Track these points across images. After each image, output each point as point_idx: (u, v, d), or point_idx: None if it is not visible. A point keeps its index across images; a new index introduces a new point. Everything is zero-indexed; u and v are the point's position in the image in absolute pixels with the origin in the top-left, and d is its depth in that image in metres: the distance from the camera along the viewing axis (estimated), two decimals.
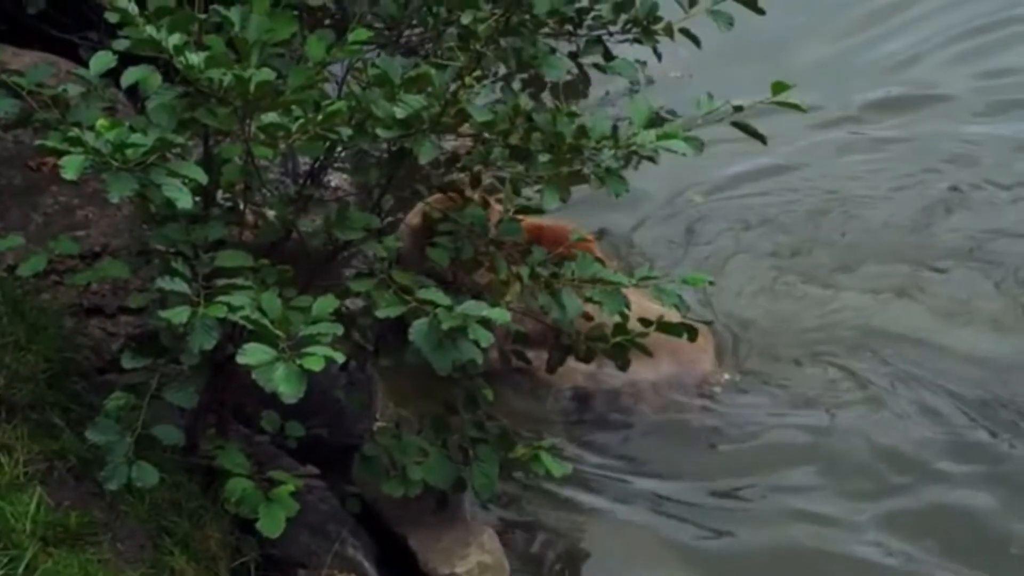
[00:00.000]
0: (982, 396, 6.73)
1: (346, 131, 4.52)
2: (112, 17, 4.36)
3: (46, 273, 5.24)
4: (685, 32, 5.39)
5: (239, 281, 4.47)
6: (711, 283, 5.16)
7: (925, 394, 6.76)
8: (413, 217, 6.37)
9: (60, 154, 4.20)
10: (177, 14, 4.39)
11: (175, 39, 4.27)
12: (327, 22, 5.31)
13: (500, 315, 4.37)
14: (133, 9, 4.30)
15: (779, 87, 4.88)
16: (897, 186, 8.29)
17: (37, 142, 4.56)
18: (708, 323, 5.39)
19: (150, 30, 4.26)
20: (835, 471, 6.36)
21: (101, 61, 4.63)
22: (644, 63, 5.66)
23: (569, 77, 5.49)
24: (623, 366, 5.34)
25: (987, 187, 8.23)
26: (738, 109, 4.95)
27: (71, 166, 4.15)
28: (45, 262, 4.94)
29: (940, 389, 6.78)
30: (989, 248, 7.73)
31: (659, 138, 4.66)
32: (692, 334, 5.20)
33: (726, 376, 6.71)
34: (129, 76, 4.50)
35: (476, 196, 5.39)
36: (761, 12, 5.27)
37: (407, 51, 5.49)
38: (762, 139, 5.10)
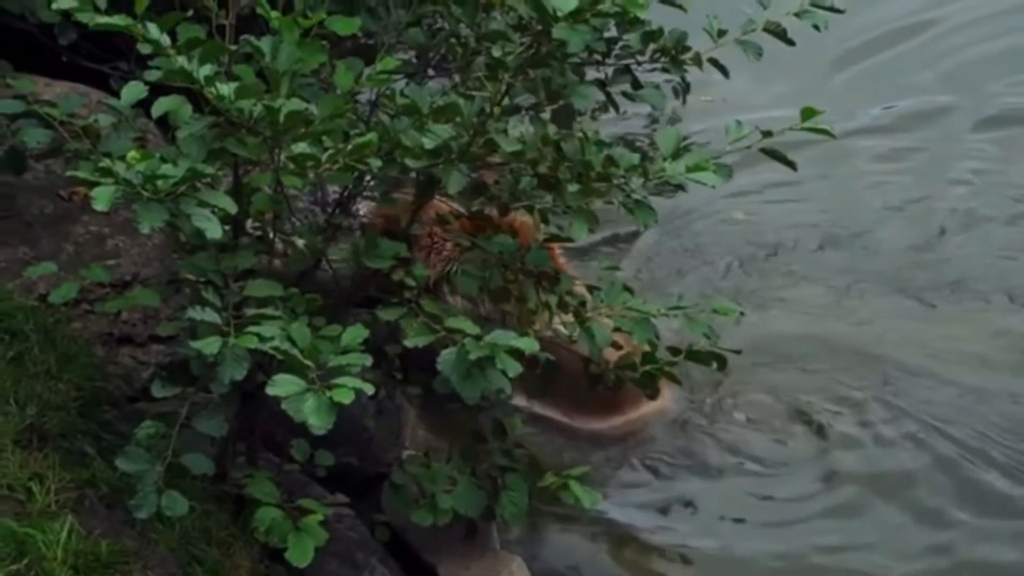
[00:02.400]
0: (975, 428, 6.71)
1: (375, 162, 4.54)
2: (144, 48, 4.39)
3: (77, 302, 5.27)
4: (714, 62, 5.39)
5: (269, 310, 4.50)
6: (742, 314, 5.15)
7: (916, 424, 6.75)
8: (376, 217, 6.29)
9: (91, 184, 4.24)
10: (208, 45, 4.43)
11: (206, 70, 4.31)
12: (356, 51, 5.33)
13: (529, 344, 4.38)
14: (165, 40, 4.33)
15: (809, 113, 4.89)
16: (900, 205, 8.31)
17: (68, 172, 4.60)
18: (737, 352, 5.37)
19: (181, 61, 4.30)
20: (832, 504, 6.39)
21: (132, 91, 4.66)
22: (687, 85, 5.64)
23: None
24: (652, 395, 5.36)
25: (988, 209, 8.23)
26: (767, 135, 4.95)
27: (102, 197, 4.19)
28: (76, 290, 4.97)
29: (933, 418, 6.77)
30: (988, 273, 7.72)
31: (689, 169, 4.67)
32: (721, 363, 5.20)
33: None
34: (160, 106, 4.53)
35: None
36: (791, 43, 5.28)
37: (438, 66, 5.53)
38: (792, 165, 5.10)
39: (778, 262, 7.86)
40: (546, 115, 5.06)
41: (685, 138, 4.97)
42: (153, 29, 4.34)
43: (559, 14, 4.53)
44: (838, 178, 8.41)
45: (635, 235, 7.78)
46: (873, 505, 6.33)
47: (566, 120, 5.07)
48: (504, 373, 4.38)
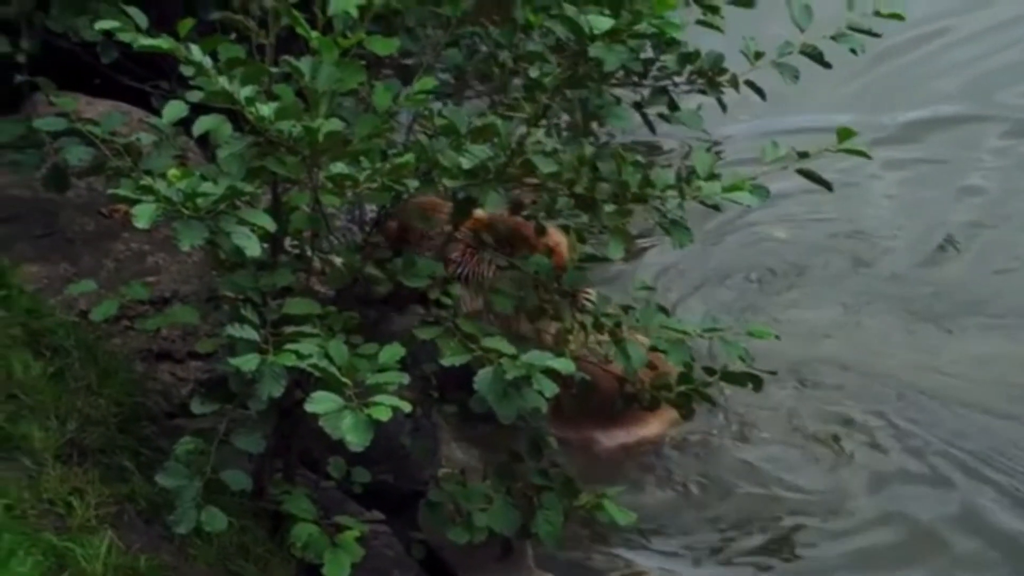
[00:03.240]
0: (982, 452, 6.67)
1: (413, 183, 4.56)
2: (187, 70, 4.42)
3: (117, 318, 5.31)
4: (750, 84, 5.40)
5: (307, 328, 4.52)
6: (777, 337, 5.15)
7: (921, 444, 6.72)
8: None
9: (132, 202, 4.27)
10: (249, 67, 4.46)
11: (247, 91, 4.33)
12: (394, 72, 5.36)
13: (565, 365, 4.40)
14: (207, 62, 4.36)
15: (845, 134, 4.89)
16: (916, 219, 8.27)
17: (110, 190, 4.63)
18: (773, 373, 5.36)
19: (223, 82, 4.33)
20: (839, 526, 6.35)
21: (173, 110, 4.68)
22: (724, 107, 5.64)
23: None
24: (687, 415, 5.36)
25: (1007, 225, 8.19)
26: (803, 156, 4.96)
27: (143, 214, 4.22)
28: (116, 307, 4.99)
29: (940, 442, 6.73)
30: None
31: (726, 189, 4.67)
32: (757, 384, 5.20)
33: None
34: (201, 125, 4.55)
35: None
36: (828, 66, 5.27)
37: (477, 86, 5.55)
38: (828, 186, 5.10)
39: (793, 278, 7.84)
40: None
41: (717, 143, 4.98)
42: (196, 51, 4.37)
43: (595, 33, 4.54)
44: (853, 189, 8.34)
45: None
46: (895, 530, 6.31)
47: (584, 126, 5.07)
48: (540, 393, 4.39)
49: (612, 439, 6.55)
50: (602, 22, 4.53)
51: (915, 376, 7.11)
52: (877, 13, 5.14)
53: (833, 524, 6.32)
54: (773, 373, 5.39)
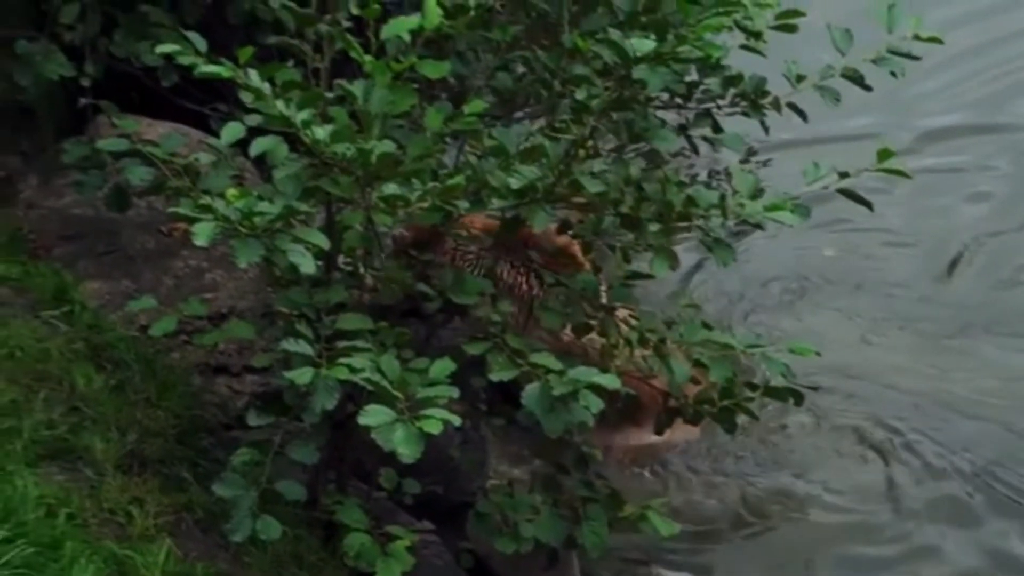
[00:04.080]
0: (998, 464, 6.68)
1: (463, 204, 4.60)
2: (246, 96, 4.47)
3: (176, 333, 5.36)
4: (792, 107, 5.40)
5: (359, 343, 4.56)
6: (818, 354, 5.15)
7: (939, 456, 6.73)
8: (407, 231, 6.14)
9: (192, 221, 4.32)
10: (306, 93, 4.51)
11: (303, 115, 4.38)
12: (445, 94, 5.39)
13: (610, 381, 4.42)
14: (265, 88, 4.41)
15: (884, 154, 4.90)
16: (932, 227, 8.23)
17: (170, 209, 4.68)
18: (815, 388, 5.37)
19: (280, 106, 4.37)
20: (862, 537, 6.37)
21: (231, 131, 4.71)
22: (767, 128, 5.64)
23: None
24: (729, 429, 5.37)
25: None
26: (843, 176, 4.97)
27: (202, 232, 4.27)
28: (175, 323, 5.04)
29: (951, 452, 6.73)
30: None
31: (767, 209, 4.69)
32: (798, 399, 5.21)
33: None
34: (258, 146, 4.59)
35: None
36: (868, 88, 5.28)
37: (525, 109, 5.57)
38: (869, 206, 5.10)
39: (809, 289, 7.83)
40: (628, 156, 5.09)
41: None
42: (254, 77, 4.42)
43: (638, 56, 4.56)
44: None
45: None
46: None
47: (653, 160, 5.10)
48: (587, 408, 4.42)
49: (630, 440, 6.55)
50: (644, 45, 4.56)
51: (932, 388, 7.12)
52: (916, 37, 5.15)
53: (850, 532, 6.34)
54: (815, 388, 5.39)
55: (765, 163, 8.20)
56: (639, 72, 4.60)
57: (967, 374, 7.22)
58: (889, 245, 8.16)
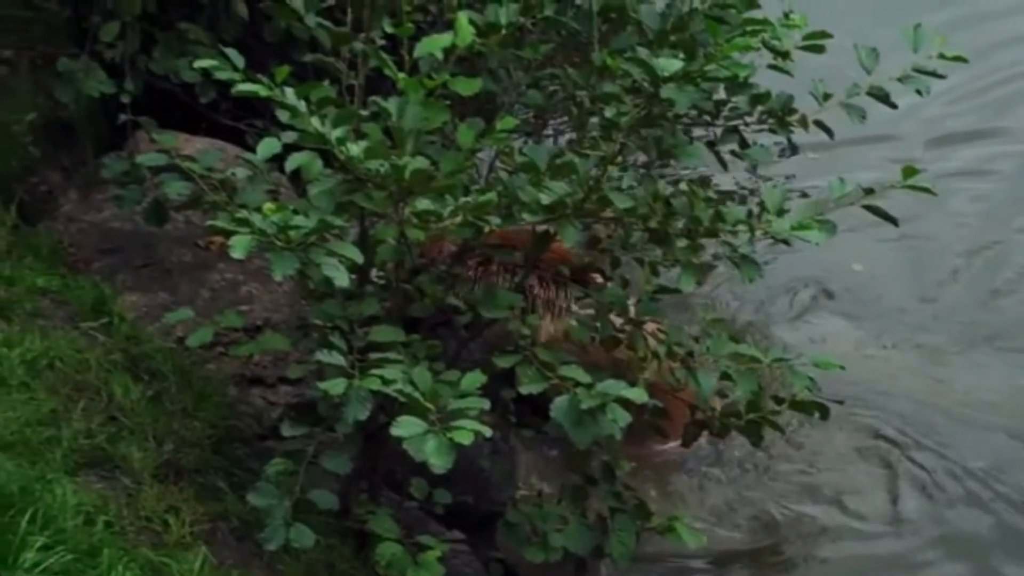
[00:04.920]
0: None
1: (495, 220, 4.61)
2: (282, 115, 4.49)
3: (212, 344, 5.38)
4: (819, 124, 5.40)
5: (392, 355, 4.57)
6: (842, 368, 5.14)
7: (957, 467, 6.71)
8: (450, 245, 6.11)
9: (228, 234, 4.33)
10: (341, 111, 4.52)
11: (338, 132, 4.40)
12: (477, 111, 5.40)
13: (638, 395, 4.42)
14: (301, 106, 4.43)
15: (909, 172, 4.89)
16: (953, 239, 8.20)
17: (207, 222, 4.70)
18: (840, 402, 5.36)
19: (315, 123, 4.39)
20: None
21: (267, 147, 4.74)
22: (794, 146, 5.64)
23: None
24: (756, 442, 5.36)
25: None
26: (869, 192, 4.95)
27: (239, 245, 4.28)
28: (212, 334, 5.07)
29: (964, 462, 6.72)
30: None
31: (794, 227, 4.69)
32: (824, 412, 5.20)
33: None
34: (293, 161, 4.61)
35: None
36: (894, 106, 5.27)
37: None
38: (894, 222, 5.09)
39: (824, 299, 7.81)
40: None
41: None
42: (290, 94, 4.44)
43: (665, 74, 4.57)
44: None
45: None
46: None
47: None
48: (614, 421, 4.42)
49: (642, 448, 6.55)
50: (672, 64, 4.56)
51: (949, 400, 7.11)
52: (942, 56, 5.13)
53: (865, 542, 6.33)
54: (840, 402, 5.38)
55: (788, 178, 8.18)
56: (667, 91, 4.60)
57: (973, 385, 7.22)
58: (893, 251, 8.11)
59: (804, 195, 5.11)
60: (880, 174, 5.16)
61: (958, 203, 8.51)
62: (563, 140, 5.82)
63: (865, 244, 7.85)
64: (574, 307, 5.95)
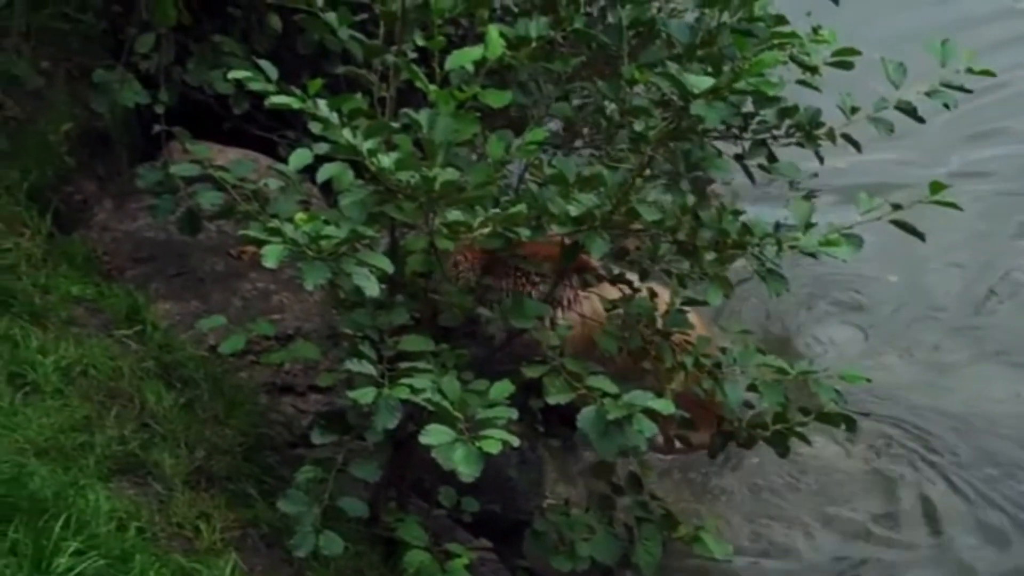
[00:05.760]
0: None
1: (524, 231, 4.60)
2: (315, 127, 4.50)
3: (244, 352, 5.38)
4: (847, 137, 5.38)
5: (421, 364, 4.57)
6: (868, 380, 5.12)
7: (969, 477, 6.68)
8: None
9: (261, 244, 4.35)
10: (373, 123, 4.53)
11: (369, 144, 4.40)
12: (507, 123, 5.40)
13: (665, 406, 4.42)
14: (334, 118, 4.44)
15: (937, 187, 4.87)
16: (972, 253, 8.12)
17: (239, 232, 4.71)
18: (866, 415, 5.34)
19: (347, 135, 4.39)
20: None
21: (299, 158, 4.75)
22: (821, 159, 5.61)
23: None
24: (782, 453, 5.35)
25: None
26: (896, 208, 4.94)
27: (271, 255, 4.29)
28: (244, 342, 5.08)
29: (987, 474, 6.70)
30: None
31: (822, 243, 4.68)
32: (851, 424, 5.18)
33: None
34: (324, 172, 4.62)
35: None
36: (922, 121, 5.25)
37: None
38: (921, 237, 5.07)
39: (847, 309, 7.78)
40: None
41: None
42: (323, 107, 4.45)
43: (696, 91, 4.56)
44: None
45: None
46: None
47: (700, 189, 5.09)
48: (640, 432, 4.41)
49: None
50: (703, 81, 4.55)
51: (967, 410, 7.06)
52: (969, 70, 5.12)
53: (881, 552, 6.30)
54: (866, 415, 5.36)
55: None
56: (697, 107, 4.59)
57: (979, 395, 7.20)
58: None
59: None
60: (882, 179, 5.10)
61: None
62: (588, 153, 5.77)
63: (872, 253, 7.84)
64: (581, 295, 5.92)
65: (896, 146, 8.10)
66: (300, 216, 4.39)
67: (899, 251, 7.77)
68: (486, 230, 4.47)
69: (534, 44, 4.93)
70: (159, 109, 6.14)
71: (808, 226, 4.74)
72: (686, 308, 5.27)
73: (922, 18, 9.63)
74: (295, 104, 4.44)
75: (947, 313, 7.83)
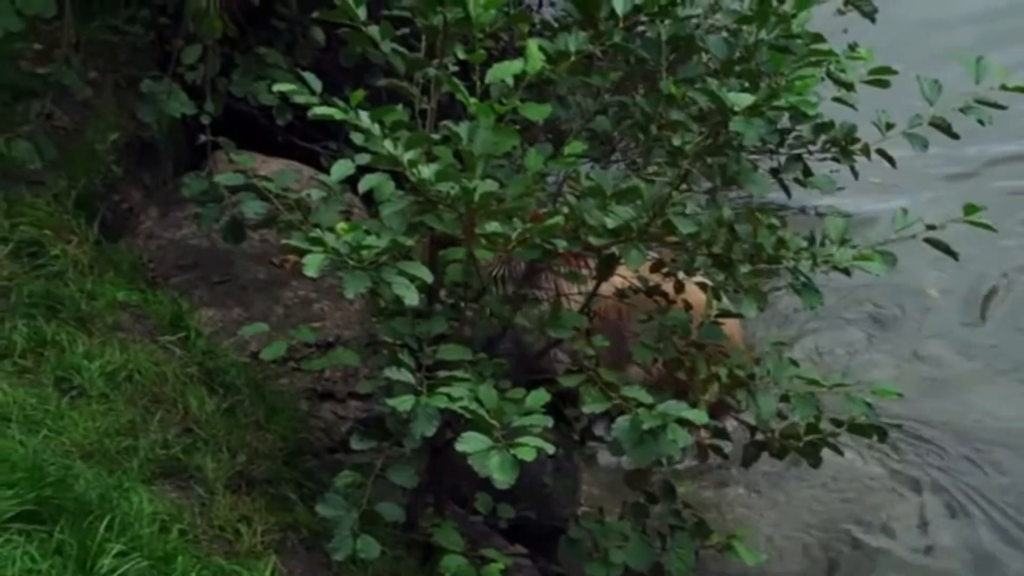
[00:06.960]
0: None
1: (561, 242, 4.62)
2: (356, 137, 4.53)
3: (285, 359, 5.42)
4: (881, 153, 5.38)
5: (459, 373, 4.59)
6: (899, 395, 5.12)
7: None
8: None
9: (303, 252, 4.37)
10: (414, 135, 4.55)
11: (410, 155, 4.42)
12: (546, 136, 5.42)
13: (699, 416, 4.42)
14: (375, 130, 4.46)
15: (971, 209, 4.87)
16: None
17: (282, 241, 4.74)
18: (898, 426, 5.33)
19: (388, 146, 4.42)
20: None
21: (341, 168, 4.77)
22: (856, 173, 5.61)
23: None
24: (815, 464, 5.34)
25: None
26: (931, 228, 4.94)
27: (313, 264, 4.32)
28: (285, 349, 5.10)
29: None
30: None
31: (856, 258, 4.68)
32: (882, 435, 5.17)
33: None
34: (366, 183, 4.65)
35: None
36: (956, 137, 5.24)
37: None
38: (955, 256, 5.06)
39: (853, 316, 7.77)
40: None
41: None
42: (365, 118, 4.48)
43: (736, 109, 4.57)
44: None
45: None
46: None
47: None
48: (674, 441, 4.42)
49: None
50: (743, 99, 4.56)
51: (978, 424, 7.03)
52: (1003, 87, 5.11)
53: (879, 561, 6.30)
54: (899, 426, 5.35)
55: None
56: (736, 124, 4.59)
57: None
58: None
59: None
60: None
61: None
62: (623, 165, 5.79)
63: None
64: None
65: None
66: (341, 226, 4.42)
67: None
68: (524, 241, 4.48)
69: (573, 58, 4.94)
70: (204, 120, 6.19)
71: (843, 242, 4.74)
72: (721, 320, 5.28)
73: (956, 37, 9.58)
74: (338, 115, 4.47)
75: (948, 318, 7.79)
